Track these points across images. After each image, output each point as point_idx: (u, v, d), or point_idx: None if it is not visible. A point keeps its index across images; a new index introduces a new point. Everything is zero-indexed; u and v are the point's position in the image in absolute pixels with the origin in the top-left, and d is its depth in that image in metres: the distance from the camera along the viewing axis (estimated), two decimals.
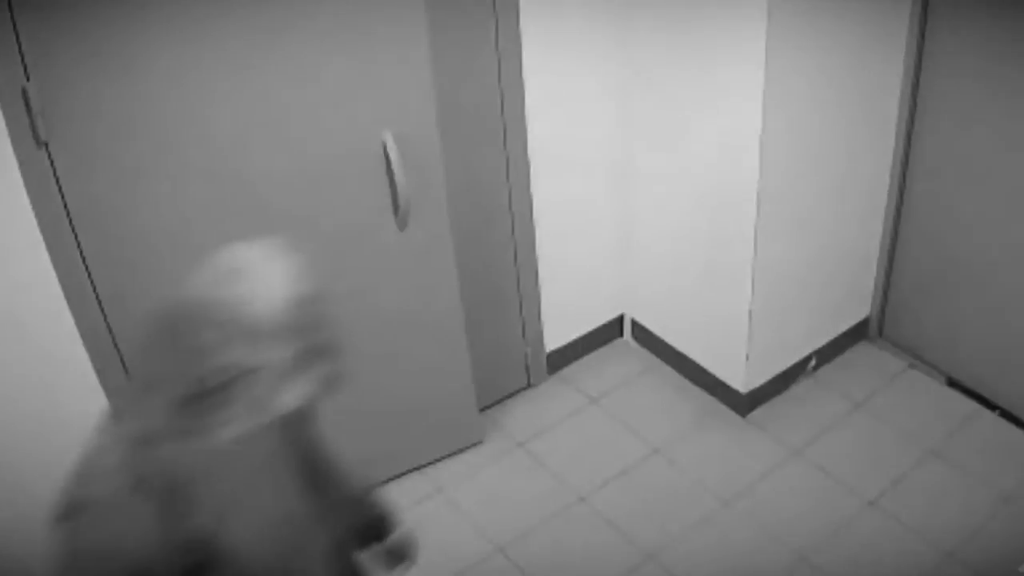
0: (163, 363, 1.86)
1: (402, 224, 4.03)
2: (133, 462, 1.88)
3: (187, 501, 1.93)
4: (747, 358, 4.91)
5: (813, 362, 5.33)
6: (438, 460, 4.79)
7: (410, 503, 4.57)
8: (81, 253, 3.47)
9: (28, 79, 3.11)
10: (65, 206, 3.36)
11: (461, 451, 4.84)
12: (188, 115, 3.44)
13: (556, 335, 5.31)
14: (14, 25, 3.02)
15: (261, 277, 1.85)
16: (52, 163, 3.27)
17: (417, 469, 4.75)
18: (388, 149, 3.82)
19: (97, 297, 3.57)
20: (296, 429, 2.29)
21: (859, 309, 5.48)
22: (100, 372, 3.67)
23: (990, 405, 5.05)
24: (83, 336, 3.61)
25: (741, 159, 4.40)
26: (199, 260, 1.87)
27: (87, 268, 3.51)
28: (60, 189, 3.33)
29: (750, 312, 4.76)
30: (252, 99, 3.54)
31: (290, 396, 1.88)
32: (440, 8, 3.94)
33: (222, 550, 2.00)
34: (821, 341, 5.34)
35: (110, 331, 3.65)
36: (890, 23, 4.58)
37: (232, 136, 3.56)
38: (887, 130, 4.91)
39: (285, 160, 3.70)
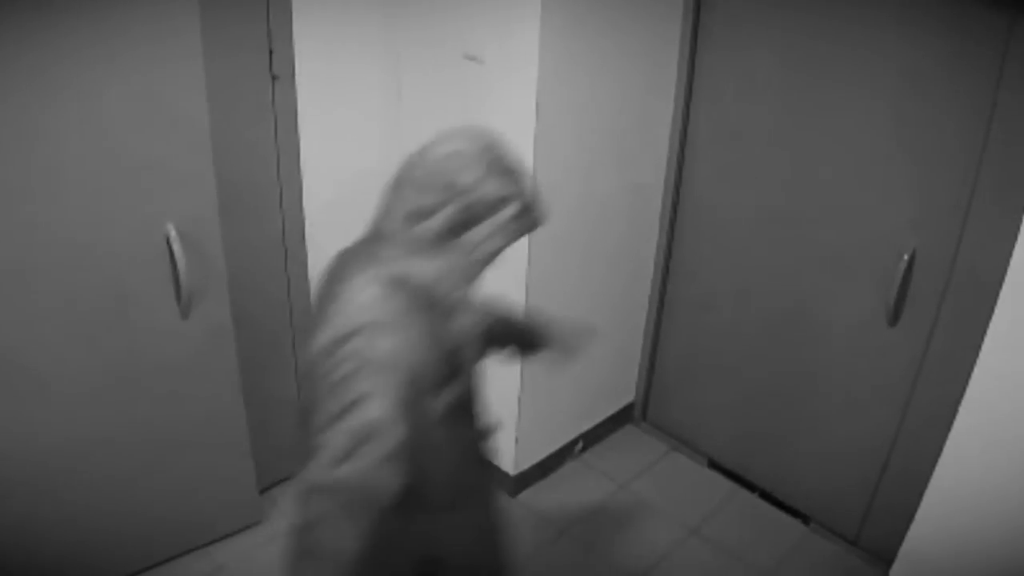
0: (433, 198, 2.54)
1: (185, 312, 4.04)
2: (399, 290, 2.53)
3: (450, 312, 2.63)
4: (516, 441, 5.00)
5: (580, 445, 5.48)
6: (218, 540, 4.75)
7: None
8: None
9: None
10: None
11: (242, 531, 4.81)
12: None
13: None
14: None
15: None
16: None
17: (197, 549, 4.70)
18: (171, 240, 3.84)
19: None
20: None
21: (624, 394, 5.67)
22: None
23: (750, 486, 5.28)
24: None
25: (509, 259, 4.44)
26: None
27: None
28: None
29: (519, 398, 4.85)
30: (36, 184, 3.53)
31: (523, 224, 2.62)
32: (219, 108, 3.97)
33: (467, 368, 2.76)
34: (587, 425, 5.48)
35: None
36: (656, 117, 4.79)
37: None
38: (651, 225, 5.12)
39: (72, 246, 3.69)
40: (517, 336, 3.35)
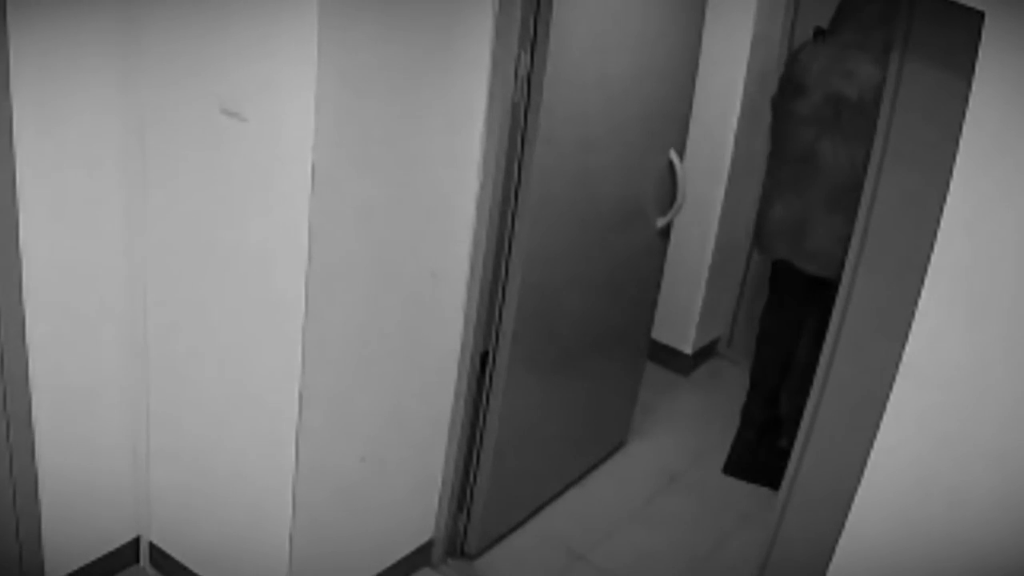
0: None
1: None
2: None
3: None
4: None
5: None
6: None
7: None
8: None
9: None
10: None
11: None
12: None
13: (61, 561, 4.67)
14: None
15: None
16: None
17: None
18: None
19: None
20: None
21: (422, 530, 5.18)
22: None
23: None
24: None
25: (278, 357, 4.07)
26: None
27: None
28: None
29: (291, 535, 4.31)
30: None
31: None
32: None
33: None
34: (376, 568, 4.97)
35: None
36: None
37: None
38: (455, 314, 4.68)
39: None
40: None
